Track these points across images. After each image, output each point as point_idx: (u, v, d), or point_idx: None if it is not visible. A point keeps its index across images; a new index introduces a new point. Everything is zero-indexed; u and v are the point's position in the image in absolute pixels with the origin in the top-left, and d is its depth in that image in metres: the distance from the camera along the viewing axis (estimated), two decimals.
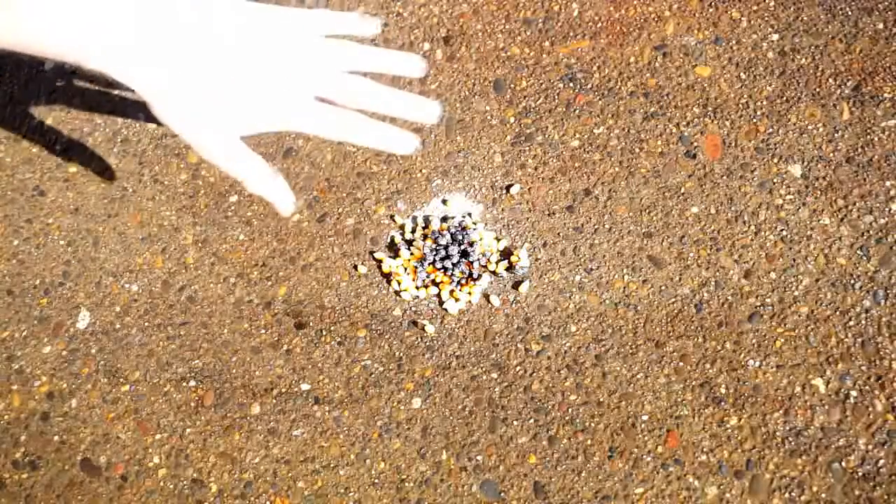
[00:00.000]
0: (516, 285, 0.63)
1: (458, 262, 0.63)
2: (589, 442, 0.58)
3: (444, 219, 0.66)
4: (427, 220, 0.66)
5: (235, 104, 0.42)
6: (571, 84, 0.69)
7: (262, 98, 0.43)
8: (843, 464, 0.54)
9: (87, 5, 0.38)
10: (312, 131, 0.45)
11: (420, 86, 0.71)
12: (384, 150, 0.46)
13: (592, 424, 0.59)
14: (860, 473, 0.54)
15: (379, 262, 0.65)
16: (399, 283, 0.64)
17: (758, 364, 0.58)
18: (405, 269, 0.64)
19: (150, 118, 0.47)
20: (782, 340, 0.58)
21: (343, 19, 0.46)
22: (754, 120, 0.65)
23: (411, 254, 0.65)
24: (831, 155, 0.63)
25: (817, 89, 0.65)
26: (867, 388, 0.56)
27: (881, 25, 0.66)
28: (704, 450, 0.57)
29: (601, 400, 0.59)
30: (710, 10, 0.69)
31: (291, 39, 0.43)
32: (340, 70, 0.45)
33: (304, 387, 0.63)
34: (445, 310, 0.63)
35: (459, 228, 0.64)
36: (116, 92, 0.76)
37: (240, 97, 0.42)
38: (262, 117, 0.43)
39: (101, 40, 0.38)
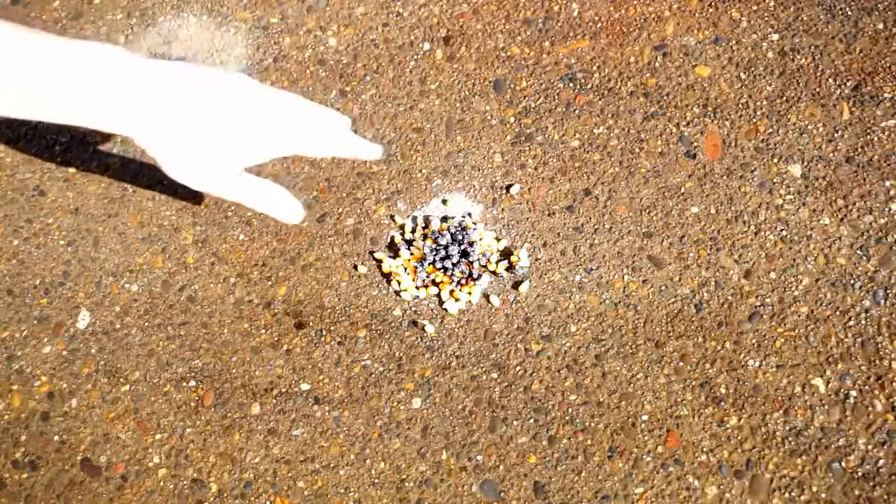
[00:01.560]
0: (516, 285, 0.63)
1: (458, 262, 0.63)
2: (589, 442, 0.58)
3: (444, 219, 0.66)
4: (427, 220, 0.66)
5: (225, 148, 0.51)
6: (571, 84, 0.69)
7: (245, 138, 0.51)
8: (843, 464, 0.54)
9: (122, 86, 0.47)
10: (292, 151, 0.54)
11: (420, 86, 0.71)
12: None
13: (592, 424, 0.59)
14: (860, 473, 0.54)
15: (379, 262, 0.65)
16: (399, 283, 0.64)
17: (758, 364, 0.58)
18: (405, 269, 0.64)
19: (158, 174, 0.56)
20: (782, 340, 0.58)
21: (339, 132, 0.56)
22: (754, 120, 0.65)
23: (411, 254, 0.65)
24: (831, 155, 0.63)
25: (817, 89, 0.65)
26: (867, 388, 0.56)
27: (881, 25, 0.66)
28: (704, 450, 0.57)
29: (601, 400, 0.59)
30: (710, 10, 0.69)
31: (258, 98, 0.52)
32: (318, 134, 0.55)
33: (304, 387, 0.63)
34: (445, 310, 0.63)
35: (459, 228, 0.64)
36: None
37: (228, 142, 0.51)
38: (250, 151, 0.52)
39: (132, 116, 0.48)
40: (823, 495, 0.54)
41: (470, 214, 0.66)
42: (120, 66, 0.47)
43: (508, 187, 0.66)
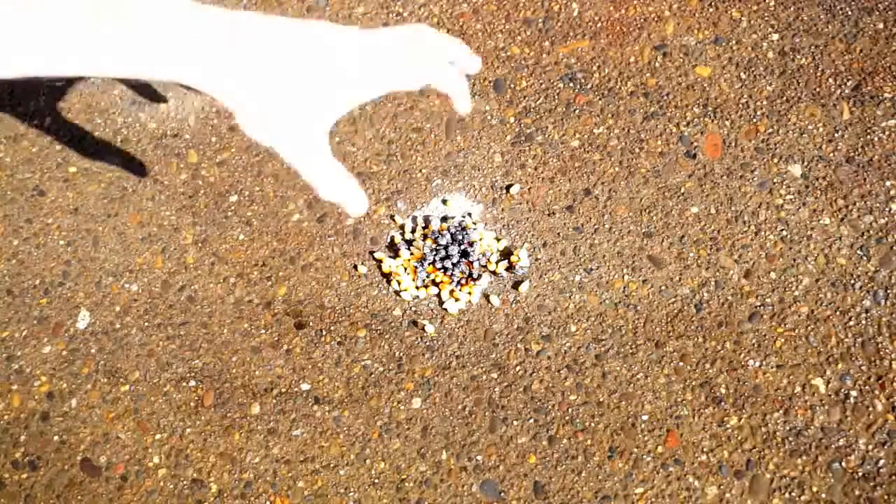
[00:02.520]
0: (516, 285, 0.63)
1: (458, 262, 0.63)
2: (589, 442, 0.58)
3: (444, 219, 0.66)
4: (427, 220, 0.66)
5: (311, 104, 0.46)
6: (571, 84, 0.69)
7: (332, 88, 0.46)
8: (843, 464, 0.54)
9: (195, 35, 0.43)
10: (388, 88, 0.48)
11: None
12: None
13: (592, 424, 0.59)
14: (860, 473, 0.54)
15: (379, 262, 0.65)
16: (399, 283, 0.64)
17: (758, 364, 0.58)
18: (405, 269, 0.64)
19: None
20: (782, 340, 0.58)
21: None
22: (754, 120, 0.65)
23: (411, 254, 0.65)
24: (831, 155, 0.63)
25: (817, 89, 0.65)
26: (867, 388, 0.56)
27: (881, 25, 0.66)
28: (704, 450, 0.57)
29: (601, 400, 0.59)
30: (710, 10, 0.69)
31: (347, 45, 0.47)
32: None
33: (304, 387, 0.63)
34: (445, 310, 0.63)
35: (459, 228, 0.64)
36: (116, 91, 0.76)
37: (314, 97, 0.46)
38: (338, 101, 0.47)
39: (205, 63, 0.44)
40: (823, 495, 0.54)
41: (470, 214, 0.66)
42: (193, 13, 0.42)
43: (508, 187, 0.66)
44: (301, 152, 0.48)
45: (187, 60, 0.43)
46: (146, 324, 0.67)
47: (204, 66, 0.44)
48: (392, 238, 0.66)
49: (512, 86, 0.70)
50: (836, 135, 0.63)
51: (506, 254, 0.64)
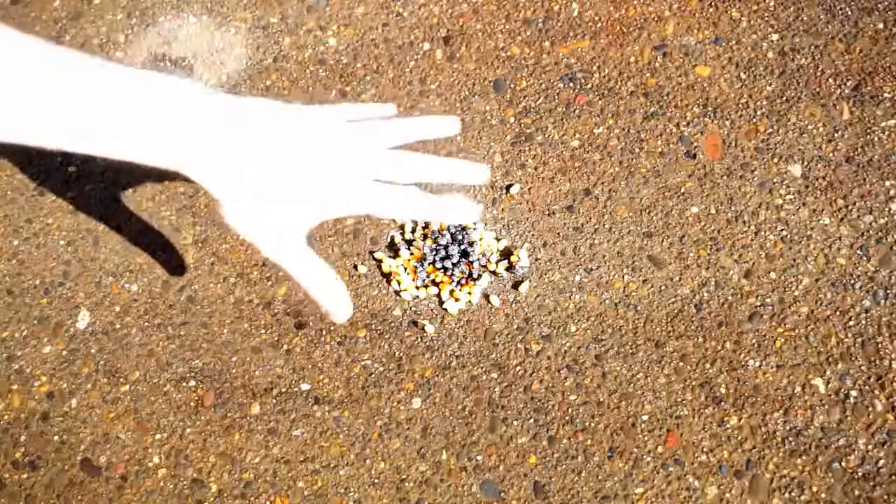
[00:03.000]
0: (516, 285, 0.63)
1: (458, 261, 0.63)
2: (589, 442, 0.58)
3: None
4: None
5: (298, 201, 0.45)
6: (571, 84, 0.69)
7: (323, 191, 0.45)
8: (843, 464, 0.54)
9: (180, 123, 0.43)
10: (375, 213, 0.47)
11: (420, 86, 0.71)
12: (446, 221, 0.50)
13: (592, 424, 0.59)
14: (860, 473, 0.54)
15: (379, 262, 0.65)
16: (399, 283, 0.64)
17: (758, 364, 0.58)
18: (405, 269, 0.64)
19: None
20: (782, 340, 0.58)
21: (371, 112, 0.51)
22: (754, 120, 0.65)
23: (411, 254, 0.65)
24: (831, 155, 0.63)
25: (817, 89, 0.65)
26: (867, 388, 0.56)
27: (881, 25, 0.66)
28: (704, 450, 0.57)
29: (601, 400, 0.59)
30: (710, 10, 0.69)
31: (340, 134, 0.47)
32: (388, 148, 0.49)
33: (304, 387, 0.63)
34: (445, 310, 0.63)
35: (459, 228, 0.64)
36: None
37: (302, 194, 0.45)
38: (326, 207, 0.46)
39: (190, 153, 0.43)
40: (823, 495, 0.54)
41: None
42: (187, 100, 0.42)
43: (508, 187, 0.66)
44: (280, 252, 0.46)
45: (183, 152, 0.43)
46: (146, 324, 0.67)
47: (203, 158, 0.43)
48: (392, 238, 0.66)
49: (512, 86, 0.70)
50: (835, 135, 0.63)
51: (506, 254, 0.64)
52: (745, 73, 0.66)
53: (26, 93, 0.41)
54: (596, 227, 0.64)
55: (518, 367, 0.61)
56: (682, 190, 0.64)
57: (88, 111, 0.42)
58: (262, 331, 0.65)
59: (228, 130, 0.43)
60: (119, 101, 0.41)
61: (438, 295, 0.64)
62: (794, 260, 0.60)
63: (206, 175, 0.43)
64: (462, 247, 0.63)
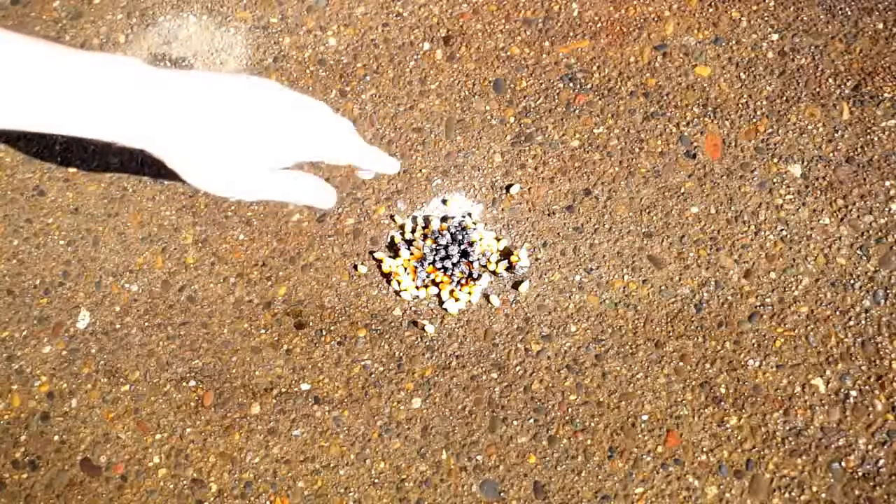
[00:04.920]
0: (516, 285, 0.63)
1: (458, 262, 0.63)
2: (589, 442, 0.58)
3: (444, 219, 0.66)
4: (427, 220, 0.66)
5: (250, 156, 0.51)
6: (571, 84, 0.69)
7: (268, 147, 0.51)
8: (843, 463, 0.54)
9: (137, 100, 0.47)
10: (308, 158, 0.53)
11: (420, 86, 0.71)
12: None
13: (592, 424, 0.59)
14: (860, 473, 0.54)
15: (379, 262, 0.65)
16: (399, 283, 0.64)
17: (758, 364, 0.58)
18: (405, 269, 0.64)
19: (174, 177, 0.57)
20: (782, 340, 0.58)
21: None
22: (754, 120, 0.65)
23: (411, 254, 0.65)
24: (831, 155, 0.63)
25: (817, 89, 0.65)
26: (867, 388, 0.56)
27: (881, 25, 0.66)
28: (704, 450, 0.57)
29: (601, 400, 0.59)
30: (710, 10, 0.69)
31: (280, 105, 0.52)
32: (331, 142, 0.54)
33: (304, 387, 0.63)
34: (445, 310, 0.63)
35: (459, 228, 0.64)
36: None
37: (253, 150, 0.51)
38: (274, 158, 0.52)
39: (150, 130, 0.48)
40: (823, 495, 0.54)
41: (470, 214, 0.66)
42: (136, 79, 0.47)
43: (508, 187, 0.66)
44: (248, 193, 0.52)
45: (138, 128, 0.47)
46: (146, 324, 0.67)
47: (155, 132, 0.47)
48: (392, 238, 0.66)
49: (512, 86, 0.70)
50: (835, 135, 0.63)
51: (506, 254, 0.64)
52: (745, 73, 0.66)
53: None
54: (596, 227, 0.64)
55: (518, 367, 0.61)
56: (682, 190, 0.64)
57: (41, 99, 0.45)
58: (262, 331, 0.65)
59: (179, 105, 0.48)
60: (73, 87, 0.45)
61: (438, 295, 0.64)
62: (794, 260, 0.60)
63: (166, 152, 0.48)
64: (462, 247, 0.63)
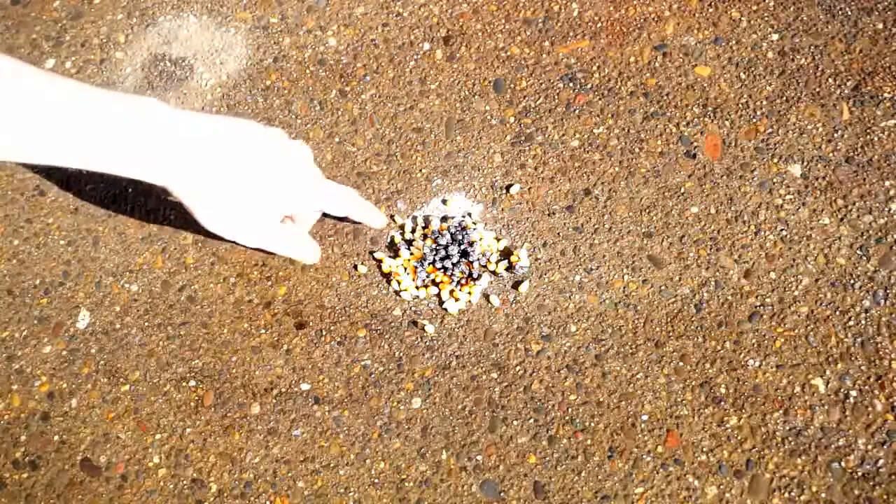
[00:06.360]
0: (516, 285, 0.63)
1: (458, 262, 0.63)
2: (589, 442, 0.58)
3: (444, 219, 0.66)
4: (427, 219, 0.66)
5: (259, 206, 0.55)
6: (571, 84, 0.69)
7: (275, 200, 0.56)
8: (843, 463, 0.54)
9: (161, 143, 0.49)
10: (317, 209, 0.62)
11: (420, 86, 0.71)
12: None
13: (592, 424, 0.59)
14: (860, 473, 0.54)
15: (379, 262, 0.65)
16: (399, 283, 0.64)
17: (758, 364, 0.58)
18: (405, 269, 0.64)
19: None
20: (782, 340, 0.58)
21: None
22: (754, 120, 0.65)
23: (411, 254, 0.65)
24: (831, 155, 0.63)
25: (817, 89, 0.65)
26: (867, 388, 0.56)
27: (881, 25, 0.66)
28: (704, 450, 0.57)
29: (601, 400, 0.59)
30: (710, 10, 0.69)
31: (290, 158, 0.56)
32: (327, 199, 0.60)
33: (304, 387, 0.63)
34: (445, 310, 0.63)
35: (459, 228, 0.64)
36: (116, 91, 0.76)
37: (262, 201, 0.54)
38: (279, 211, 0.57)
39: (172, 171, 0.51)
40: (823, 495, 0.54)
41: (470, 214, 0.66)
42: (160, 120, 0.49)
43: (508, 187, 0.66)
44: (252, 243, 0.57)
45: (160, 167, 0.49)
46: (146, 324, 0.67)
47: (175, 172, 0.50)
48: (392, 238, 0.66)
49: (512, 86, 0.70)
50: (835, 135, 0.63)
51: (506, 254, 0.64)
52: (745, 73, 0.66)
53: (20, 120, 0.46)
54: (596, 227, 0.64)
55: (518, 367, 0.61)
56: (682, 190, 0.64)
57: (72, 138, 0.47)
58: (262, 331, 0.65)
59: (203, 152, 0.50)
60: (104, 129, 0.47)
61: (438, 295, 0.64)
62: (794, 260, 0.60)
63: (182, 192, 0.51)
64: (462, 247, 0.63)
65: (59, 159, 0.48)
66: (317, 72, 0.73)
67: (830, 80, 0.65)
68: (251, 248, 0.65)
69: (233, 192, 0.52)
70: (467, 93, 0.70)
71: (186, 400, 0.65)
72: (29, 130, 0.46)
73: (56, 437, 0.65)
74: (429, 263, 0.63)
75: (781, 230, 0.61)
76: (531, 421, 0.59)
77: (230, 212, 0.53)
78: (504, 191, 0.66)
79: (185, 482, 0.62)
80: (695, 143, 0.65)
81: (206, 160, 0.50)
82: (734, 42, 0.67)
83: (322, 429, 0.62)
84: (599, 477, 0.57)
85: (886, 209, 0.60)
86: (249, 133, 0.53)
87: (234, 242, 0.59)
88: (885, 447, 0.54)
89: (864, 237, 0.60)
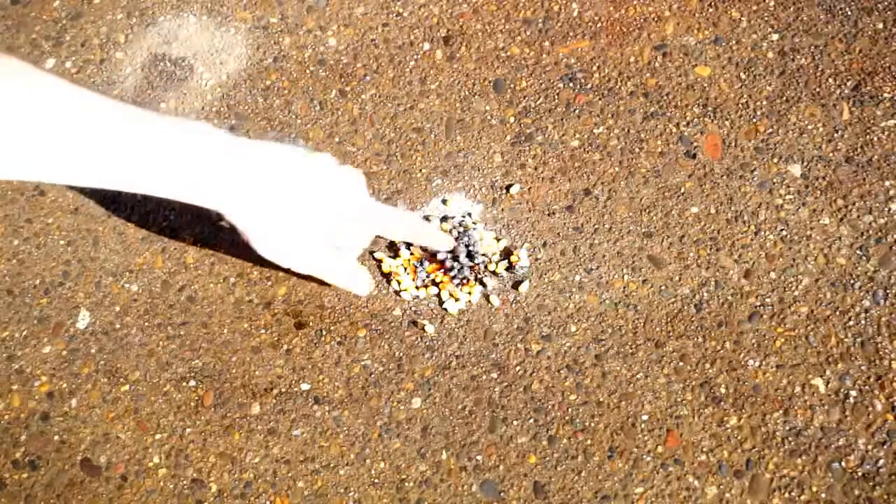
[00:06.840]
0: (516, 285, 0.63)
1: (459, 261, 0.63)
2: (589, 442, 0.58)
3: (444, 219, 0.66)
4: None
5: (309, 232, 0.55)
6: (571, 84, 0.69)
7: (327, 226, 0.55)
8: (843, 463, 0.54)
9: (211, 171, 0.50)
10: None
11: (420, 86, 0.71)
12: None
13: (592, 424, 0.59)
14: (860, 473, 0.54)
15: (379, 262, 0.65)
16: (399, 283, 0.64)
17: (758, 364, 0.58)
18: (405, 269, 0.64)
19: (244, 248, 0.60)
20: (782, 340, 0.58)
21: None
22: (754, 120, 0.65)
23: (411, 254, 0.65)
24: (831, 155, 0.63)
25: (817, 89, 0.65)
26: (867, 388, 0.56)
27: (881, 25, 0.66)
28: (704, 450, 0.57)
29: (601, 400, 0.59)
30: (710, 10, 0.69)
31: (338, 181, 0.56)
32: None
33: (304, 387, 0.63)
34: (445, 310, 0.63)
35: (460, 228, 0.64)
36: (116, 91, 0.76)
37: (312, 227, 0.55)
38: (331, 236, 0.57)
39: (230, 198, 0.51)
40: (823, 495, 0.54)
41: (470, 214, 0.66)
42: (217, 146, 0.49)
43: (508, 187, 0.66)
44: (308, 269, 0.58)
45: (218, 193, 0.50)
46: (146, 324, 0.67)
47: (232, 198, 0.51)
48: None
49: (512, 86, 0.70)
50: (835, 135, 0.63)
51: (506, 254, 0.64)
52: (745, 73, 0.66)
53: (67, 142, 0.46)
54: (596, 227, 0.64)
55: (518, 367, 0.61)
56: (682, 190, 0.64)
57: (132, 162, 0.48)
58: (262, 331, 0.65)
59: (257, 177, 0.51)
60: (160, 152, 0.48)
61: (438, 295, 0.64)
62: (794, 260, 0.60)
63: (238, 217, 0.52)
64: (469, 248, 0.63)
65: (113, 183, 0.49)
66: (317, 72, 0.73)
67: (830, 80, 0.65)
68: (302, 276, 0.64)
69: (287, 219, 0.53)
70: (467, 93, 0.70)
71: (186, 400, 0.65)
72: (87, 156, 0.46)
73: (56, 437, 0.65)
74: (429, 263, 0.63)
75: (781, 230, 0.61)
76: (531, 421, 0.59)
77: (284, 239, 0.54)
78: (504, 191, 0.66)
79: (185, 482, 0.62)
80: (695, 143, 0.65)
81: (262, 188, 0.51)
82: (734, 42, 0.67)
83: (322, 429, 0.62)
84: (599, 477, 0.57)
85: (886, 209, 0.60)
86: (303, 160, 0.53)
87: (287, 270, 0.60)
88: (885, 447, 0.54)
89: (864, 237, 0.60)
